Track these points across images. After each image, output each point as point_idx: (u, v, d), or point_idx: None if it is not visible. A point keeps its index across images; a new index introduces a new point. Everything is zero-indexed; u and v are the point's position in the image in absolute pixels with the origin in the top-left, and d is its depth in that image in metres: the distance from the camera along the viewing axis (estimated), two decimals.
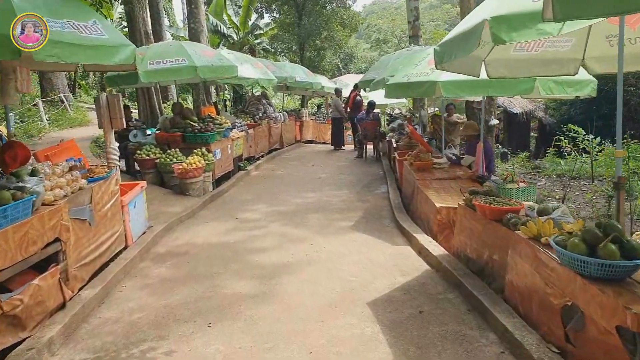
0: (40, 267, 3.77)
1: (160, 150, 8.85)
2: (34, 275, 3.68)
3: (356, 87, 14.39)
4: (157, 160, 8.54)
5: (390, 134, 11.75)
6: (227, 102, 21.36)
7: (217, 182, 9.30)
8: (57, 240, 3.88)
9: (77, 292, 4.15)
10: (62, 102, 15.91)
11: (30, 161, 5.09)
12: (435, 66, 4.00)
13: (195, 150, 8.61)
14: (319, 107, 21.68)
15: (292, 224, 6.63)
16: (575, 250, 2.66)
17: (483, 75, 4.37)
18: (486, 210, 4.01)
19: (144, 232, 6.07)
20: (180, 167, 8.07)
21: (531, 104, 17.06)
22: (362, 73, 34.14)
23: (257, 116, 13.08)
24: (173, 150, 8.71)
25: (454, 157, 7.22)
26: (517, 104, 16.59)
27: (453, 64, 3.89)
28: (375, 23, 46.25)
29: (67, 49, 3.87)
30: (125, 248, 5.42)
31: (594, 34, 4.08)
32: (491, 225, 3.99)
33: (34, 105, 14.93)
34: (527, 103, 16.88)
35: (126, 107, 10.06)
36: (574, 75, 4.45)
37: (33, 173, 3.85)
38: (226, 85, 26.24)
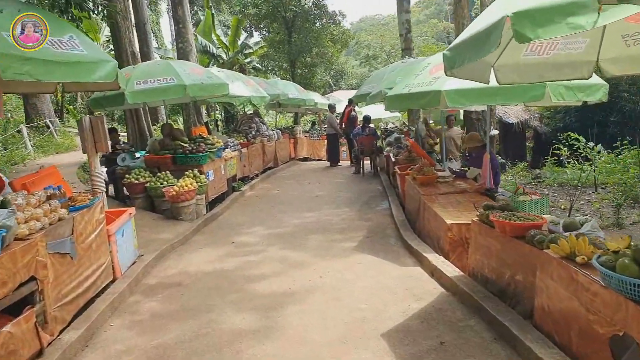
0: (15, 309, 3.37)
1: (150, 174, 8.46)
2: (7, 320, 3.28)
3: (351, 102, 14.15)
4: (147, 184, 8.15)
5: (388, 148, 11.46)
6: (219, 122, 21.08)
7: (211, 205, 8.91)
8: (32, 279, 3.47)
9: (58, 336, 3.73)
10: (48, 127, 15.50)
11: (5, 190, 4.71)
12: (445, 72, 3.70)
13: (186, 172, 8.23)
14: (312, 123, 21.46)
15: (292, 247, 6.25)
16: (626, 273, 2.31)
17: (491, 82, 4.08)
18: (506, 226, 3.67)
19: (134, 262, 5.66)
20: (172, 190, 7.68)
21: (526, 113, 16.92)
22: (353, 89, 34.19)
23: (250, 135, 12.76)
24: (163, 173, 8.32)
25: (458, 170, 6.91)
26: (512, 114, 16.43)
27: (464, 70, 3.59)
28: (364, 39, 46.54)
29: (40, 67, 3.54)
30: (113, 281, 4.99)
31: (609, 34, 3.80)
32: (512, 242, 3.64)
33: (18, 131, 14.52)
34: (522, 112, 16.73)
35: (113, 129, 9.71)
36: (588, 78, 4.17)
37: (3, 205, 3.46)
38: (217, 105, 26.06)
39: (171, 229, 7.30)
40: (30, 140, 14.25)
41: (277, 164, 14.40)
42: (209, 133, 11.20)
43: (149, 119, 12.32)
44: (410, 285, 4.52)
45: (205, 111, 19.44)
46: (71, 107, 26.79)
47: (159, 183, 8.10)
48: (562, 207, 8.77)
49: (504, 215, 3.80)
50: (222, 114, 27.11)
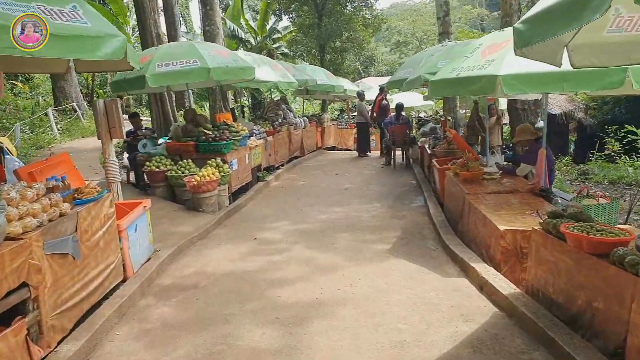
0: (9, 318, 2.95)
1: (172, 162, 8.05)
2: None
3: (382, 90, 13.43)
4: (168, 173, 7.74)
5: (423, 138, 10.74)
6: (245, 109, 20.59)
7: (234, 195, 8.45)
8: (23, 285, 3.03)
9: (55, 347, 3.30)
10: (75, 111, 15.37)
11: (8, 179, 4.33)
12: (515, 51, 3.03)
13: (209, 161, 7.77)
14: (341, 111, 20.79)
15: (319, 247, 5.70)
16: None
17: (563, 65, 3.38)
18: (583, 241, 3.00)
19: (149, 259, 5.23)
20: (193, 180, 7.23)
21: (570, 103, 15.76)
22: (383, 76, 33.19)
23: (277, 122, 12.22)
24: (185, 161, 7.89)
25: (505, 165, 6.19)
26: (555, 104, 15.32)
27: (537, 48, 2.91)
28: (395, 25, 45.19)
29: None
30: (123, 281, 4.57)
31: None
32: (590, 261, 2.98)
33: (46, 114, 14.44)
34: (566, 103, 15.60)
35: (135, 114, 9.35)
36: None
37: None
38: (244, 91, 25.61)
39: (191, 221, 6.87)
40: (57, 124, 14.14)
41: (303, 153, 13.86)
42: (235, 120, 10.74)
43: (174, 103, 11.95)
44: (456, 302, 3.91)
45: (232, 97, 19.05)
46: (101, 90, 26.83)
47: (180, 172, 7.68)
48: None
49: (580, 227, 3.13)
50: (250, 100, 26.69)
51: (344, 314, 3.83)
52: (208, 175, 7.28)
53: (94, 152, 11.35)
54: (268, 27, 27.12)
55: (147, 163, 7.93)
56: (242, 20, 26.24)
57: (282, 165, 11.95)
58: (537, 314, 3.33)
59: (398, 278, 4.52)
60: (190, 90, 22.38)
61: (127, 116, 9.49)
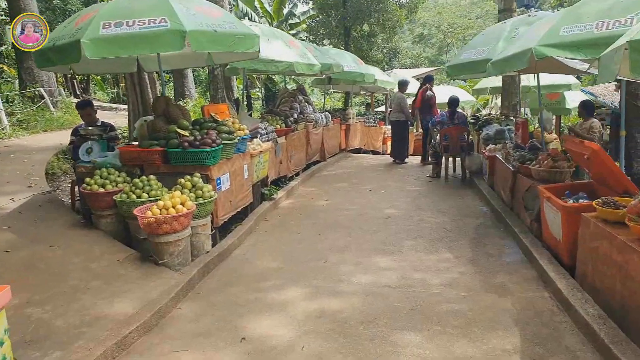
0: None
1: (127, 176, 5.24)
2: None
3: (429, 80, 10.45)
4: (117, 196, 4.91)
5: (490, 145, 7.74)
6: (257, 102, 17.57)
7: (223, 228, 5.62)
8: None
9: None
10: (42, 97, 12.60)
11: None
12: None
13: (181, 179, 4.93)
14: (367, 105, 17.78)
15: None
16: None
17: None
18: None
19: None
20: (149, 213, 4.39)
21: None
22: (407, 69, 29.96)
23: (291, 118, 9.31)
24: (143, 178, 5.04)
25: None
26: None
27: None
28: (419, 17, 42.26)
29: None
30: None
31: None
32: None
33: (8, 101, 11.75)
34: None
35: (86, 103, 6.51)
36: None
37: None
38: (257, 81, 22.71)
39: (140, 286, 4.04)
40: (11, 114, 11.39)
41: (324, 157, 10.97)
42: (238, 113, 7.95)
43: (156, 90, 9.10)
44: None
45: (241, 88, 16.12)
46: (98, 77, 23.94)
47: (134, 195, 4.84)
48: None
49: None
50: (263, 92, 23.77)
51: None
52: (174, 206, 4.43)
53: (47, 152, 8.62)
54: (285, 11, 24.40)
55: (87, 179, 5.10)
56: (256, 3, 23.59)
57: (297, 174, 9.09)
58: None
59: None
60: (191, 74, 19.30)
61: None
